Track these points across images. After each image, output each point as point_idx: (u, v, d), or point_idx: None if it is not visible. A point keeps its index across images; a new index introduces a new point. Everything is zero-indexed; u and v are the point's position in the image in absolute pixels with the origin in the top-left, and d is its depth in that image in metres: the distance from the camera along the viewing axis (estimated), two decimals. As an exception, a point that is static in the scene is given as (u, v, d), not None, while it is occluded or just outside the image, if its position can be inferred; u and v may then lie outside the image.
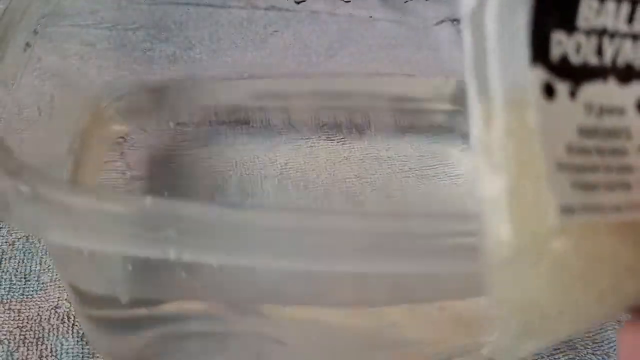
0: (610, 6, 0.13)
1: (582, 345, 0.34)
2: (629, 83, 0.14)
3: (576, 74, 0.13)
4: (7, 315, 0.33)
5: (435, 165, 0.41)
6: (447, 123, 0.42)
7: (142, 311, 0.29)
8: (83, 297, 0.29)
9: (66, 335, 0.33)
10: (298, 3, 0.38)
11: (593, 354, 0.34)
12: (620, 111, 0.14)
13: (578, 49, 0.13)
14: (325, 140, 0.42)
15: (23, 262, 0.35)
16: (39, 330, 0.33)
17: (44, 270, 0.35)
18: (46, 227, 0.21)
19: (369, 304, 0.28)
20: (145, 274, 0.26)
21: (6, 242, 0.36)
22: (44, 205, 0.21)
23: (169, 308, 0.29)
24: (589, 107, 0.13)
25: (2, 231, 0.37)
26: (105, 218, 0.21)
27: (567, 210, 0.12)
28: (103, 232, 0.21)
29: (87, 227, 0.21)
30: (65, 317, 0.33)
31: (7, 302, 0.34)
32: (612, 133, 0.13)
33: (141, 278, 0.26)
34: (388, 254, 0.22)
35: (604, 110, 0.13)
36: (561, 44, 0.13)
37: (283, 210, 0.22)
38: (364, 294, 0.28)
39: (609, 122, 0.13)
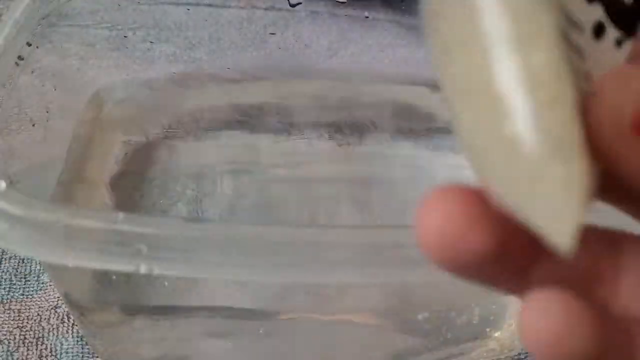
0: None
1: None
2: (592, 1, 0.14)
3: None
4: (7, 315, 0.33)
5: (437, 166, 0.41)
6: (451, 125, 0.42)
7: (135, 318, 0.29)
8: (75, 305, 0.29)
9: (66, 335, 0.33)
10: (293, 6, 0.38)
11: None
12: (581, 29, 0.14)
13: None
14: (326, 141, 0.42)
15: (23, 262, 0.35)
16: (38, 330, 0.33)
17: (44, 270, 0.35)
18: (19, 243, 0.22)
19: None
20: (129, 283, 0.26)
21: (6, 242, 0.37)
22: (17, 222, 0.21)
23: (167, 312, 0.29)
24: (564, 10, 0.13)
25: (2, 231, 0.37)
26: (77, 234, 0.21)
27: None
28: (76, 247, 0.21)
29: (60, 242, 0.21)
30: (65, 317, 0.33)
31: (7, 302, 0.34)
32: (575, 46, 0.13)
33: (126, 287, 0.27)
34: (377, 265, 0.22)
35: (571, 21, 0.13)
36: None
37: (250, 225, 0.23)
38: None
39: (574, 34, 0.13)
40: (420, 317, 0.30)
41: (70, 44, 0.36)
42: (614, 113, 0.12)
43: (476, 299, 0.30)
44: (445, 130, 0.43)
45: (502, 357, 0.33)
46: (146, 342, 0.30)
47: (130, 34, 0.38)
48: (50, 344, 0.32)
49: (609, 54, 0.14)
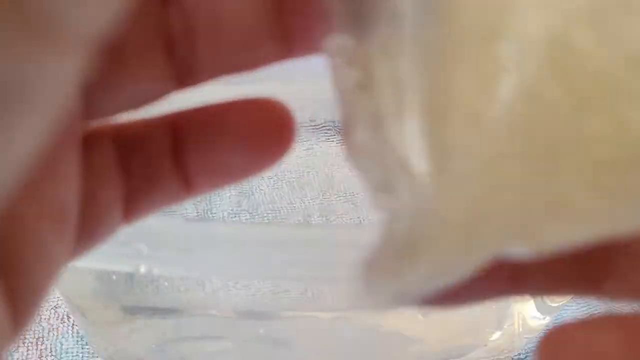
0: None
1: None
2: None
3: None
4: (7, 315, 0.33)
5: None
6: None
7: (136, 318, 0.29)
8: (75, 305, 0.29)
9: (66, 335, 0.33)
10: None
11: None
12: None
13: None
14: (323, 141, 0.42)
15: (23, 262, 0.36)
16: (38, 330, 0.33)
17: (44, 270, 0.35)
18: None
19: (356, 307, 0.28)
20: (130, 285, 0.26)
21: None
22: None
23: (167, 312, 0.29)
24: None
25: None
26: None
27: None
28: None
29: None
30: (65, 317, 0.33)
31: (7, 302, 0.34)
32: None
33: (126, 287, 0.27)
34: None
35: None
36: None
37: (249, 224, 0.22)
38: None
39: None
40: (419, 316, 0.30)
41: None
42: None
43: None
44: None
45: (502, 357, 0.33)
46: (146, 342, 0.30)
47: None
48: (50, 344, 0.32)
49: None
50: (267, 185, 0.41)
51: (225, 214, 0.39)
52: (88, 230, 0.14)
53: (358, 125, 0.12)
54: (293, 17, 0.13)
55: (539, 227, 0.11)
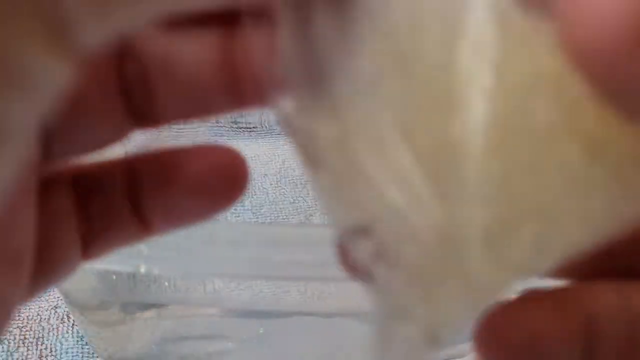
0: None
1: None
2: None
3: None
4: (7, 315, 0.33)
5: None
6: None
7: (136, 318, 0.29)
8: (76, 305, 0.29)
9: (66, 335, 0.33)
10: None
11: None
12: None
13: None
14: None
15: (23, 262, 0.35)
16: (38, 330, 0.33)
17: (44, 270, 0.35)
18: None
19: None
20: (128, 284, 0.26)
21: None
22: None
23: (167, 312, 0.29)
24: None
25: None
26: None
27: None
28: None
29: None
30: (65, 317, 0.33)
31: (7, 302, 0.34)
32: None
33: (126, 287, 0.27)
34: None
35: None
36: None
37: (249, 224, 0.22)
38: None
39: None
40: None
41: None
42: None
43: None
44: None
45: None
46: (146, 342, 0.30)
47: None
48: (50, 344, 0.32)
49: None
50: (270, 184, 0.41)
51: (228, 213, 0.39)
52: (45, 270, 0.14)
53: (336, 182, 0.12)
54: (245, 73, 0.14)
55: (566, 229, 0.11)
